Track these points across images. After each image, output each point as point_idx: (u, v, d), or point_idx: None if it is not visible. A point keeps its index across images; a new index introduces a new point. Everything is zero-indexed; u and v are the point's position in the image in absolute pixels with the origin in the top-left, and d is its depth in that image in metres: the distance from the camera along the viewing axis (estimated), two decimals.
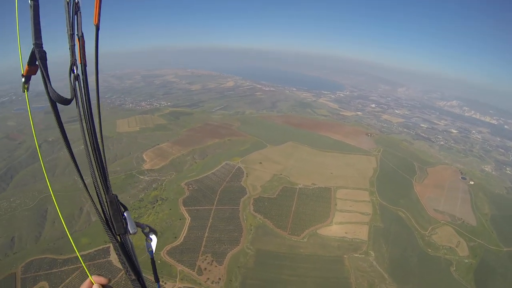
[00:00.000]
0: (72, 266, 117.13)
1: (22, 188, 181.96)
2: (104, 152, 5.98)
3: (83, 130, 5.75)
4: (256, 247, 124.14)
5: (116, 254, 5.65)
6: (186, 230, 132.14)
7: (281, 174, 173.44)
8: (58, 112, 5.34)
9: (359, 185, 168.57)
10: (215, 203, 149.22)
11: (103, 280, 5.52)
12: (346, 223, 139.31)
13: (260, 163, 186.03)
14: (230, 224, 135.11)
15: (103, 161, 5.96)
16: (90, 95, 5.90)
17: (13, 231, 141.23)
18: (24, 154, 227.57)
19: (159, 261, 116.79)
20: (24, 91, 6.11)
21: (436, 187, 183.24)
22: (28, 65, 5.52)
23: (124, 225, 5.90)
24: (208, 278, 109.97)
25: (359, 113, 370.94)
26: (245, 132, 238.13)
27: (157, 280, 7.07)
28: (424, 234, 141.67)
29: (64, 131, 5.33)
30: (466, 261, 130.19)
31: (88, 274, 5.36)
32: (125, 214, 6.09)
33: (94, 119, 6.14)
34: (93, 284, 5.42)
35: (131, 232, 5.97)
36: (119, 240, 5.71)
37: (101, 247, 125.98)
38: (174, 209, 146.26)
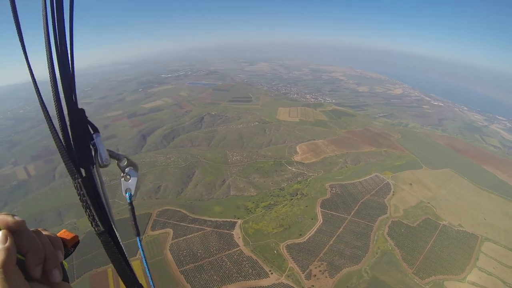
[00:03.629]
0: (197, 226, 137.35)
1: (179, 149, 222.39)
2: (72, 52, 4.71)
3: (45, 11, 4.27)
4: (374, 273, 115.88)
5: (78, 194, 4.27)
6: (314, 231, 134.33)
7: (429, 203, 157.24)
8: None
9: None
10: (352, 213, 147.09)
11: (11, 222, 3.51)
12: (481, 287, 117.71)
13: (410, 184, 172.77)
14: (359, 240, 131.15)
15: (70, 66, 4.76)
16: None
17: (161, 181, 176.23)
18: (188, 121, 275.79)
19: (275, 252, 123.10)
20: None
21: None
22: None
23: (92, 153, 4.87)
24: (313, 286, 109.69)
25: None
26: (403, 147, 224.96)
27: (137, 233, 5.46)
28: None
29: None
30: None
31: None
32: (94, 137, 4.96)
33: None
34: None
35: (102, 162, 4.88)
36: (83, 175, 4.38)
37: (229, 219, 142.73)
38: (310, 207, 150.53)
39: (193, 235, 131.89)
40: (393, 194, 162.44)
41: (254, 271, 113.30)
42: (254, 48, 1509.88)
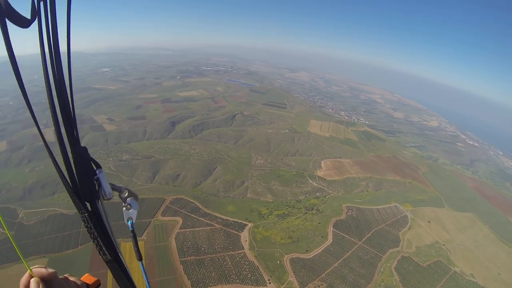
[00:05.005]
0: (207, 221, 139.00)
1: (205, 142, 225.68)
2: (72, 95, 5.07)
3: (45, 62, 4.63)
4: None
5: (86, 227, 4.74)
6: (321, 249, 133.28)
7: (444, 245, 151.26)
8: (8, 32, 3.96)
9: None
10: (363, 239, 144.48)
11: (44, 273, 4.28)
12: None
13: (429, 222, 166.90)
14: (364, 268, 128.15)
15: (71, 106, 5.11)
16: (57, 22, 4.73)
17: (181, 170, 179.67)
18: (220, 117, 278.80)
19: (278, 262, 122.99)
20: None
21: None
22: None
23: (97, 188, 5.21)
24: None
25: None
26: (429, 181, 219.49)
27: (139, 258, 5.94)
28: None
29: (13, 55, 4.07)
30: None
31: (27, 266, 4.23)
32: (97, 173, 5.34)
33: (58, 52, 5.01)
34: (32, 277, 4.21)
35: (106, 196, 5.29)
36: (89, 209, 4.84)
37: (240, 221, 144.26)
38: (323, 225, 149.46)
39: (201, 228, 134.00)
40: (409, 229, 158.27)
41: (253, 277, 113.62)
42: (292, 55, 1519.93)
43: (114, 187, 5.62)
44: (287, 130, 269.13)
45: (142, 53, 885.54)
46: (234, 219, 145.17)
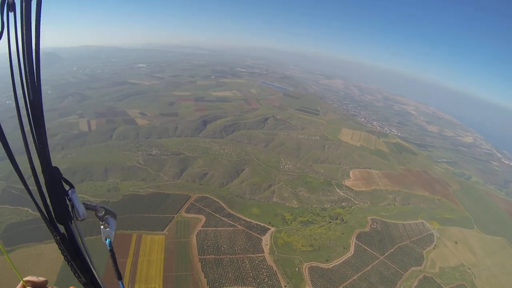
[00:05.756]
0: (230, 222, 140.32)
1: (235, 143, 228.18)
2: (43, 112, 4.60)
3: (12, 76, 4.31)
4: None
5: (59, 249, 4.72)
6: (341, 261, 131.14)
7: (469, 269, 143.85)
8: None
9: None
10: (385, 254, 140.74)
11: (36, 281, 4.46)
12: None
13: (456, 242, 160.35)
14: (383, 284, 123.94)
15: (42, 123, 4.63)
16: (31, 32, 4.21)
17: (209, 169, 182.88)
18: (252, 119, 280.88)
19: (296, 269, 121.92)
20: None
21: None
22: None
23: (70, 209, 5.08)
24: None
25: None
26: (459, 200, 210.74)
27: (119, 278, 5.92)
28: None
29: None
30: None
31: (19, 277, 4.34)
32: (69, 193, 5.13)
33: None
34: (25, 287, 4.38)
35: (79, 217, 5.17)
36: (61, 232, 4.82)
37: (263, 224, 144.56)
38: (346, 236, 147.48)
39: (223, 228, 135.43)
40: (434, 248, 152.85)
41: (269, 281, 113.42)
42: (328, 62, 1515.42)
43: (88, 207, 5.58)
44: (318, 137, 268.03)
45: (178, 51, 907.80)
46: (257, 222, 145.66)
